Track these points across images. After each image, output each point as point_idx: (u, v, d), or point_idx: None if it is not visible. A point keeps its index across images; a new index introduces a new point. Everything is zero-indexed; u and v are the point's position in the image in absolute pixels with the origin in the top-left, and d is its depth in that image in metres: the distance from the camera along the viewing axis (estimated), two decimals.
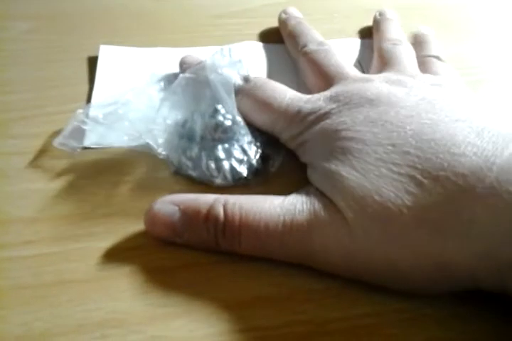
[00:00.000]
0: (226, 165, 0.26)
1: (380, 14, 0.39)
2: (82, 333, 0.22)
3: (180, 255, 0.25)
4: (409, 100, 0.26)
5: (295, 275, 0.24)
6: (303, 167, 0.28)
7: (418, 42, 0.35)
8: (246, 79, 0.30)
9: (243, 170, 0.27)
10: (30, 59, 0.35)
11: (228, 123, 0.27)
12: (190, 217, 0.24)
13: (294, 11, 0.39)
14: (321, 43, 0.34)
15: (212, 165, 0.26)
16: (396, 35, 0.36)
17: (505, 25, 0.41)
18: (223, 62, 0.28)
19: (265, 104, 0.28)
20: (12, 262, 0.24)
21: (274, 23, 0.39)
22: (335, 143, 0.25)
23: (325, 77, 0.31)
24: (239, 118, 0.27)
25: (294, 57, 0.35)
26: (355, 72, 0.30)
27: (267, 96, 0.29)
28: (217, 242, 0.24)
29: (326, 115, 0.26)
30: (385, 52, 0.33)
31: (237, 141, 0.27)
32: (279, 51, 0.37)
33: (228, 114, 0.27)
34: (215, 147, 0.27)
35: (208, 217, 0.24)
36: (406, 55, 0.33)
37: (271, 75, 0.35)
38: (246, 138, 0.27)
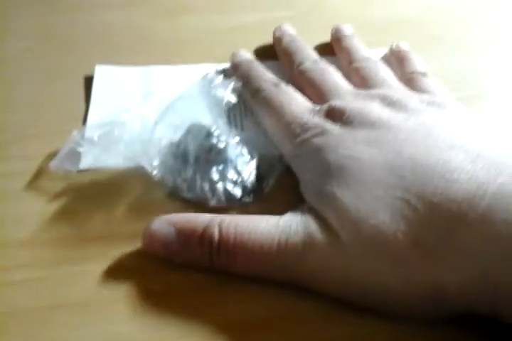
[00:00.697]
0: (220, 187, 0.27)
1: (338, 31, 0.38)
2: None
3: (176, 278, 0.25)
4: (408, 124, 0.26)
5: (287, 298, 0.24)
6: (297, 185, 0.28)
7: (399, 59, 0.35)
8: (276, 85, 0.31)
9: (237, 191, 0.27)
10: (26, 78, 0.36)
11: (222, 145, 0.27)
12: (186, 236, 0.24)
13: (289, 28, 0.39)
14: (316, 61, 0.34)
15: (207, 187, 0.27)
16: (365, 53, 0.36)
17: (497, 39, 0.41)
18: (215, 83, 0.28)
19: (279, 109, 0.29)
20: (8, 286, 0.24)
21: (268, 40, 0.39)
22: (330, 159, 0.25)
23: (322, 97, 0.31)
24: (232, 140, 0.28)
25: (289, 74, 0.36)
26: (352, 91, 0.31)
27: (284, 103, 0.30)
28: (211, 262, 0.24)
29: (327, 131, 0.27)
30: (363, 72, 0.33)
31: (231, 162, 0.27)
32: (272, 68, 0.37)
33: (222, 136, 0.27)
34: (209, 169, 0.27)
35: (203, 236, 0.24)
36: (385, 72, 0.33)
37: None
38: (240, 160, 0.28)
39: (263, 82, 0.32)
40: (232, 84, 0.28)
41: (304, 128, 0.28)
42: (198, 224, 0.24)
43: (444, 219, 0.21)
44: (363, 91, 0.30)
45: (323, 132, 0.27)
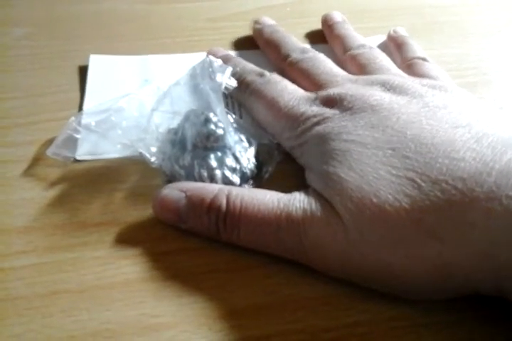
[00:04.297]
0: (218, 173, 0.26)
1: (328, 19, 0.38)
2: None
3: (173, 264, 0.25)
4: (411, 107, 0.26)
5: (288, 284, 0.24)
6: (296, 172, 0.28)
7: (398, 45, 0.35)
8: (261, 74, 0.31)
9: (236, 178, 0.27)
10: (23, 65, 0.35)
11: (220, 131, 0.27)
12: (195, 204, 0.25)
13: (268, 19, 0.38)
14: (304, 50, 0.33)
15: (205, 174, 0.26)
16: (360, 40, 0.35)
17: (500, 26, 0.41)
18: (214, 68, 0.27)
19: (272, 102, 0.29)
20: (5, 273, 0.24)
21: None
22: (335, 145, 0.25)
23: (319, 87, 0.30)
24: (231, 126, 0.27)
25: (277, 66, 0.35)
26: (350, 77, 0.30)
27: (275, 94, 0.29)
28: (218, 231, 0.25)
29: (328, 119, 0.27)
30: (360, 59, 0.33)
31: (230, 149, 0.27)
32: (255, 58, 0.36)
33: (220, 122, 0.27)
34: (207, 156, 0.27)
35: (211, 206, 0.25)
36: (383, 58, 0.33)
37: None
38: (238, 146, 0.27)
39: (247, 74, 0.31)
40: (230, 69, 0.27)
41: (303, 118, 0.27)
42: (207, 193, 0.25)
43: (449, 196, 0.21)
44: (361, 77, 0.30)
45: (324, 120, 0.27)
